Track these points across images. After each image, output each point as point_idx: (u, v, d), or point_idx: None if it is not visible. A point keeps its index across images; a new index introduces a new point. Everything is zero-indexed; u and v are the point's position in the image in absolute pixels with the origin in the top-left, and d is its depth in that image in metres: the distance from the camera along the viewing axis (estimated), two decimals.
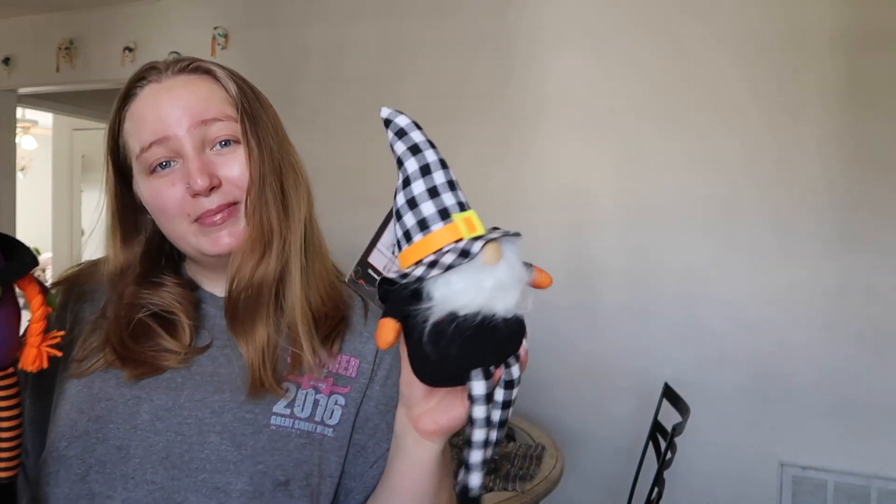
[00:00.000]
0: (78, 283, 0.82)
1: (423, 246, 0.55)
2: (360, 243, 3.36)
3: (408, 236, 0.57)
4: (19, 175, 6.31)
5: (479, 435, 0.57)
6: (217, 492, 0.68)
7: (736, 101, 2.62)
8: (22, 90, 4.40)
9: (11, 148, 4.50)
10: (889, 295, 2.43)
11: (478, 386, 0.56)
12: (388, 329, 0.54)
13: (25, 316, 0.64)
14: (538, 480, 1.75)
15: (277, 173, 0.78)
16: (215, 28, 3.62)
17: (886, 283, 2.43)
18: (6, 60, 4.27)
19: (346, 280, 0.87)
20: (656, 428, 2.23)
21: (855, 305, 2.47)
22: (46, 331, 0.64)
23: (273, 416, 0.73)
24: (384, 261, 0.93)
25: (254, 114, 0.79)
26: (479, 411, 0.56)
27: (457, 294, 0.53)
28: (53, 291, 0.69)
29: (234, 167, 0.74)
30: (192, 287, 0.81)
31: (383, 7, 3.25)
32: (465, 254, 0.53)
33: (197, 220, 0.73)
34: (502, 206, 3.00)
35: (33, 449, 0.75)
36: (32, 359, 0.62)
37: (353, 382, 0.78)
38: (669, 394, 2.28)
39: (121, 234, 0.79)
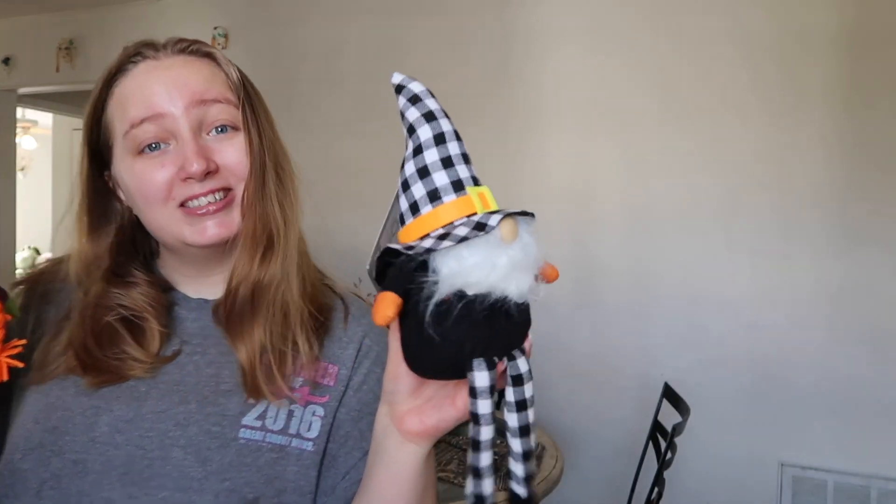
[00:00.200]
0: (41, 282, 0.76)
1: (431, 218, 0.50)
2: (356, 243, 3.40)
3: (415, 208, 0.52)
4: (19, 175, 6.31)
5: (486, 434, 0.51)
6: None
7: (737, 101, 2.61)
8: (22, 90, 4.40)
9: (11, 148, 4.50)
10: (889, 295, 2.43)
11: (481, 377, 0.51)
12: (388, 303, 0.48)
13: None
14: (538, 480, 1.74)
15: (276, 166, 0.74)
16: (215, 28, 3.62)
17: (887, 283, 2.43)
18: (6, 60, 4.27)
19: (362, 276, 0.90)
20: (656, 428, 2.23)
21: (855, 305, 2.47)
22: (7, 339, 0.59)
23: (242, 430, 0.67)
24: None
25: (254, 103, 0.76)
26: (485, 406, 0.50)
27: (468, 270, 0.48)
28: (13, 296, 0.65)
29: (233, 154, 0.69)
30: (165, 288, 0.74)
31: (382, 6, 3.25)
32: (480, 227, 0.48)
33: (182, 205, 0.67)
34: (501, 204, 2.99)
35: None
36: None
37: (331, 391, 0.71)
38: (669, 394, 2.27)
39: (89, 222, 0.73)
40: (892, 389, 2.42)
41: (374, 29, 3.27)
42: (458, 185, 0.52)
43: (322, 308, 0.74)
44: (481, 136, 3.04)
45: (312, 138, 3.42)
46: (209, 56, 0.75)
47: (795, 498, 2.53)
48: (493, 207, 0.52)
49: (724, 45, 2.63)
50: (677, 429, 1.93)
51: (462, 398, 0.53)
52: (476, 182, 0.54)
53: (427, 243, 0.48)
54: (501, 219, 0.49)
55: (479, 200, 0.52)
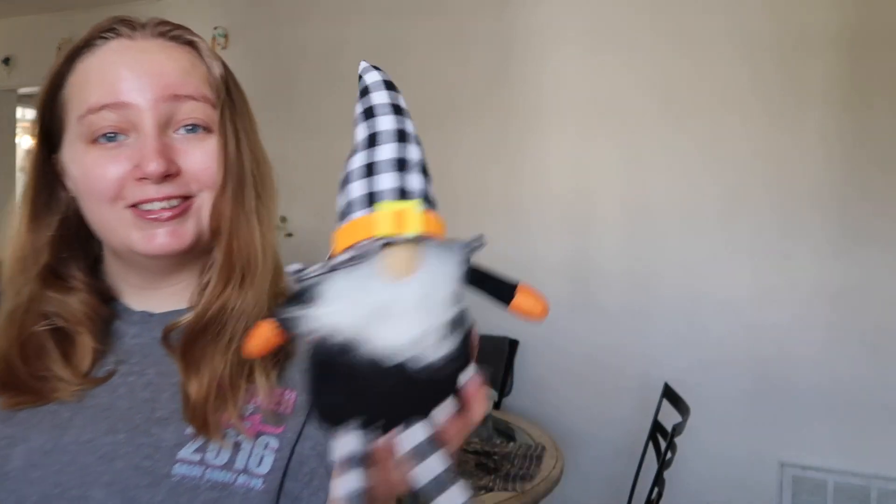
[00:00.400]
0: None
1: (339, 237, 0.42)
2: None
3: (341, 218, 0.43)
4: (19, 175, 6.30)
5: None
6: None
7: (737, 101, 2.61)
8: (22, 90, 4.40)
9: (11, 148, 4.50)
10: (890, 295, 2.43)
11: (342, 444, 0.40)
12: (258, 334, 0.41)
13: None
14: (538, 480, 1.75)
15: (257, 179, 0.67)
16: (215, 28, 3.62)
17: (887, 283, 2.43)
18: (6, 60, 4.27)
19: None
20: (656, 428, 2.23)
21: (855, 305, 2.46)
22: None
23: (177, 464, 0.57)
24: None
25: (235, 104, 0.66)
26: (345, 481, 0.39)
27: (329, 309, 0.39)
28: None
29: (200, 158, 0.60)
30: (106, 297, 0.65)
31: (382, 6, 3.25)
32: (364, 256, 0.39)
33: (133, 206, 0.58)
34: (501, 205, 3.00)
35: None
36: None
37: (288, 420, 0.61)
38: (669, 394, 2.27)
39: (30, 210, 0.63)
40: (892, 389, 2.42)
41: (374, 29, 3.27)
42: (369, 200, 0.41)
43: None
44: (481, 136, 3.04)
45: (312, 138, 3.42)
46: (191, 45, 0.66)
47: (795, 498, 2.53)
48: (412, 228, 0.40)
49: (724, 45, 2.63)
50: (677, 429, 1.93)
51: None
52: (404, 195, 0.42)
53: (315, 269, 0.40)
54: (385, 245, 0.39)
55: (388, 220, 0.40)
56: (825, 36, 2.49)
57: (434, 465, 0.39)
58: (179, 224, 0.60)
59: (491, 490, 1.66)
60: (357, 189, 0.42)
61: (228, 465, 0.58)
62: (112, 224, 0.60)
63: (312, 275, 0.39)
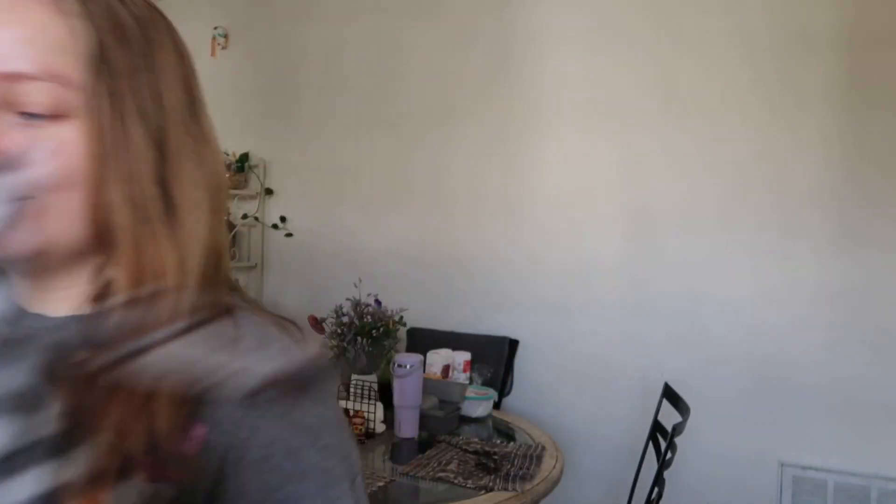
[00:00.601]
0: None
1: None
2: (357, 243, 3.39)
3: None
4: None
5: None
6: None
7: (737, 101, 2.62)
8: None
9: None
10: (890, 295, 2.43)
11: None
12: None
13: None
14: (538, 480, 1.75)
15: (165, 171, 0.49)
16: (215, 28, 3.62)
17: (887, 282, 2.43)
18: None
19: None
20: (656, 428, 2.23)
21: (855, 305, 2.47)
22: None
23: None
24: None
25: (122, 73, 0.48)
26: None
27: None
28: None
29: (38, 152, 0.45)
30: None
31: (382, 7, 3.25)
32: None
33: None
34: (501, 205, 3.00)
35: None
36: None
37: (187, 465, 0.45)
38: (669, 394, 2.27)
39: None
40: (892, 389, 2.42)
41: (374, 29, 3.27)
42: None
43: None
44: (481, 136, 3.04)
45: (312, 138, 3.43)
46: None
47: (795, 498, 2.53)
48: None
49: (724, 45, 2.63)
50: (677, 429, 1.93)
51: None
52: None
53: None
54: None
55: None
56: (825, 36, 2.49)
57: None
58: (6, 230, 0.46)
59: (491, 490, 1.66)
60: None
61: None
62: None
63: None
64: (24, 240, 0.47)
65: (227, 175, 0.50)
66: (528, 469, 1.81)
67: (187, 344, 0.44)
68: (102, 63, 0.47)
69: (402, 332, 2.65)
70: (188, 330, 0.44)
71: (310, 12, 3.43)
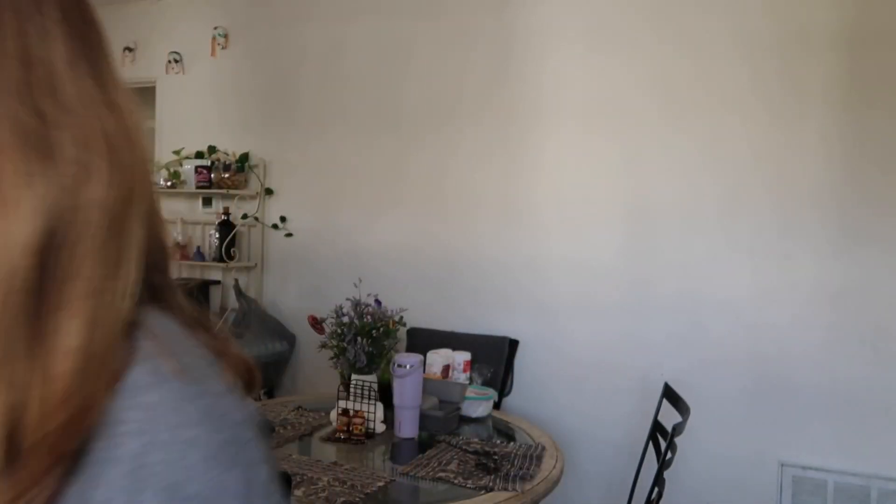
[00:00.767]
0: None
1: None
2: (357, 243, 3.39)
3: None
4: None
5: None
6: None
7: (737, 101, 2.62)
8: None
9: None
10: (889, 295, 2.43)
11: None
12: None
13: None
14: (538, 480, 1.75)
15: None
16: (215, 28, 3.62)
17: (887, 282, 2.43)
18: None
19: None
20: (656, 428, 2.23)
21: (855, 305, 2.47)
22: None
23: None
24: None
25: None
26: None
27: None
28: None
29: None
30: None
31: (382, 6, 3.25)
32: None
33: None
34: (501, 205, 3.00)
35: None
36: None
37: None
38: (669, 394, 2.27)
39: None
40: (892, 389, 2.42)
41: (374, 29, 3.27)
42: None
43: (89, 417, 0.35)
44: (481, 136, 3.04)
45: (312, 138, 3.43)
46: None
47: (795, 498, 2.53)
48: None
49: (724, 45, 2.63)
50: (677, 429, 1.93)
51: None
52: None
53: None
54: None
55: None
56: (825, 36, 2.49)
57: None
58: None
59: (491, 490, 1.66)
60: None
61: None
62: None
63: None
64: None
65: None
66: (528, 469, 1.81)
67: None
68: None
69: (402, 332, 2.65)
70: None
71: (310, 12, 3.43)
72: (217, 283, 3.60)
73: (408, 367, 2.06)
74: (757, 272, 2.59)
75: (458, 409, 2.27)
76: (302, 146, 3.45)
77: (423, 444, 2.03)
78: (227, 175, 3.43)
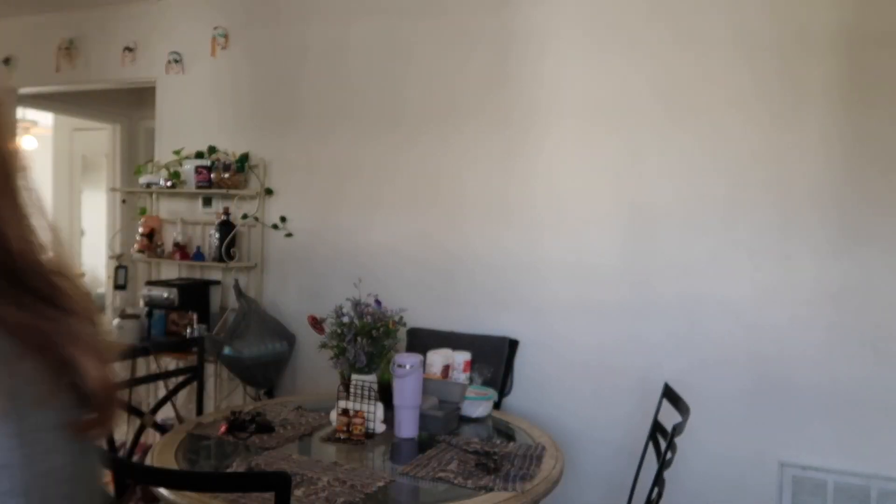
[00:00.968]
0: None
1: None
2: (357, 243, 3.40)
3: None
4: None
5: None
6: None
7: (736, 101, 2.62)
8: (22, 90, 4.40)
9: None
10: (889, 295, 2.43)
11: None
12: None
13: None
14: (538, 480, 1.75)
15: None
16: (215, 28, 3.62)
17: (887, 282, 2.43)
18: (6, 60, 4.27)
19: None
20: (656, 428, 2.23)
21: (855, 305, 2.47)
22: None
23: None
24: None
25: None
26: None
27: None
28: None
29: None
30: None
31: (382, 7, 3.25)
32: None
33: None
34: (502, 204, 3.00)
35: None
36: None
37: None
38: (669, 394, 2.27)
39: None
40: (892, 389, 2.42)
41: (374, 29, 3.27)
42: None
43: None
44: (481, 136, 3.04)
45: (312, 138, 3.43)
46: None
47: (795, 498, 2.53)
48: None
49: (725, 45, 2.63)
50: (677, 429, 1.93)
51: None
52: None
53: None
54: None
55: None
56: (825, 36, 2.49)
57: None
58: None
59: (491, 490, 1.66)
60: None
61: None
62: None
63: None
64: None
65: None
66: (528, 469, 1.81)
67: None
68: None
69: (402, 332, 2.65)
70: None
71: (310, 12, 3.43)
72: (217, 283, 3.60)
73: (408, 367, 2.06)
74: (757, 272, 2.59)
75: (458, 409, 2.27)
76: (302, 146, 3.45)
77: (423, 444, 2.03)
78: (227, 175, 3.43)
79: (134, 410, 2.55)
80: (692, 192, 2.69)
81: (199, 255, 3.57)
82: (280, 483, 1.25)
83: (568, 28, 2.89)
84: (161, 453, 1.87)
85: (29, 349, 0.41)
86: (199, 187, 3.48)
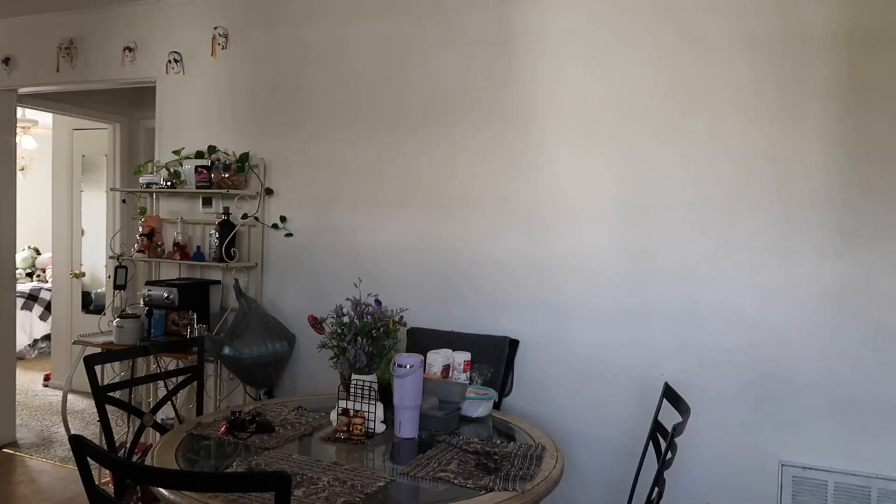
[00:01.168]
0: None
1: None
2: (357, 243, 3.41)
3: None
4: (19, 175, 6.31)
5: None
6: None
7: (737, 101, 2.61)
8: (22, 90, 4.40)
9: (11, 148, 4.50)
10: (889, 294, 2.43)
11: None
12: None
13: None
14: (538, 480, 1.74)
15: None
16: (215, 28, 3.62)
17: (887, 282, 2.43)
18: (6, 60, 4.27)
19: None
20: (656, 428, 2.23)
21: (855, 305, 2.46)
22: None
23: None
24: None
25: None
26: None
27: None
28: None
29: None
30: None
31: (382, 6, 3.25)
32: None
33: None
34: (502, 204, 3.00)
35: None
36: None
37: None
38: (669, 394, 2.27)
39: None
40: (892, 389, 2.42)
41: (374, 29, 3.27)
42: None
43: None
44: (481, 136, 3.04)
45: (312, 138, 3.43)
46: None
47: (795, 498, 2.53)
48: None
49: (725, 45, 2.63)
50: (677, 429, 1.93)
51: None
52: None
53: None
54: None
55: None
56: (825, 36, 2.49)
57: None
58: None
59: (491, 490, 1.66)
60: None
61: None
62: None
63: None
64: None
65: None
66: (528, 469, 1.81)
67: None
68: None
69: (402, 332, 2.65)
70: None
71: (310, 12, 3.43)
72: (217, 283, 3.60)
73: (408, 367, 2.06)
74: (757, 272, 2.59)
75: (458, 409, 2.27)
76: (302, 146, 3.45)
77: (423, 444, 2.03)
78: (227, 175, 3.43)
79: (134, 410, 2.55)
80: (692, 192, 2.68)
81: (199, 255, 3.57)
82: (280, 483, 1.25)
83: (568, 27, 2.89)
84: (161, 453, 1.87)
85: None
86: (199, 187, 3.48)
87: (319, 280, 3.39)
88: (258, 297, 3.52)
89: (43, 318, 7.02)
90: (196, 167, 3.48)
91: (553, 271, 2.91)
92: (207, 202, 3.70)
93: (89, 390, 2.30)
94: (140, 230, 3.69)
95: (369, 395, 2.09)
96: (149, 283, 3.55)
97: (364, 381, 2.11)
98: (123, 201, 4.66)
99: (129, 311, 3.58)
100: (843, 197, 2.48)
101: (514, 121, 2.98)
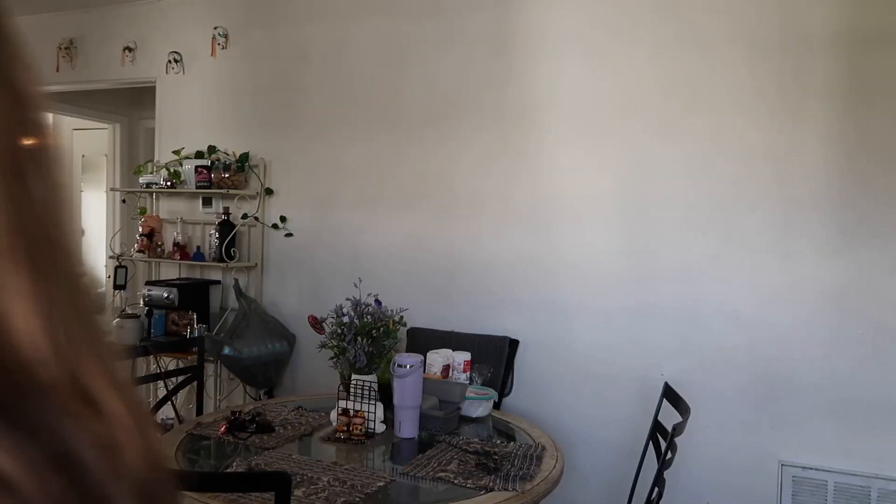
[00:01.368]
0: None
1: None
2: (359, 242, 3.41)
3: None
4: None
5: None
6: None
7: (737, 101, 2.61)
8: None
9: None
10: (889, 294, 2.43)
11: None
12: None
13: None
14: (538, 480, 1.74)
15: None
16: (215, 28, 3.62)
17: (887, 282, 2.43)
18: None
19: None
20: (656, 428, 2.23)
21: (855, 305, 2.47)
22: None
23: None
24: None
25: None
26: None
27: None
28: None
29: None
30: None
31: (383, 7, 3.25)
32: None
33: None
34: (502, 205, 3.00)
35: None
36: None
37: None
38: (669, 394, 2.27)
39: None
40: (892, 389, 2.42)
41: (374, 29, 3.27)
42: None
43: None
44: (481, 136, 3.04)
45: (312, 138, 3.43)
46: None
47: (795, 498, 2.53)
48: None
49: (725, 45, 2.63)
50: (677, 429, 1.93)
51: None
52: None
53: None
54: None
55: None
56: (825, 36, 2.49)
57: None
58: None
59: (491, 490, 1.66)
60: None
61: None
62: None
63: None
64: None
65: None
66: (528, 469, 1.81)
67: None
68: None
69: (402, 332, 2.65)
70: None
71: (310, 12, 3.43)
72: (217, 283, 3.60)
73: (408, 367, 2.06)
74: (757, 272, 2.59)
75: (458, 409, 2.26)
76: (302, 146, 3.45)
77: (423, 444, 2.03)
78: (227, 175, 3.43)
79: None
80: (693, 192, 2.69)
81: (199, 255, 3.57)
82: (280, 483, 1.25)
83: (568, 27, 2.89)
84: None
85: None
86: (199, 187, 3.48)
87: (319, 280, 3.39)
88: (258, 297, 3.52)
89: None
90: (196, 167, 3.48)
91: (553, 271, 2.91)
92: (207, 202, 3.70)
93: None
94: (140, 230, 3.69)
95: (369, 395, 2.09)
96: (149, 283, 3.55)
97: (364, 381, 2.11)
98: (123, 201, 4.66)
99: (129, 311, 3.58)
100: (842, 197, 2.48)
101: (514, 121, 2.98)
